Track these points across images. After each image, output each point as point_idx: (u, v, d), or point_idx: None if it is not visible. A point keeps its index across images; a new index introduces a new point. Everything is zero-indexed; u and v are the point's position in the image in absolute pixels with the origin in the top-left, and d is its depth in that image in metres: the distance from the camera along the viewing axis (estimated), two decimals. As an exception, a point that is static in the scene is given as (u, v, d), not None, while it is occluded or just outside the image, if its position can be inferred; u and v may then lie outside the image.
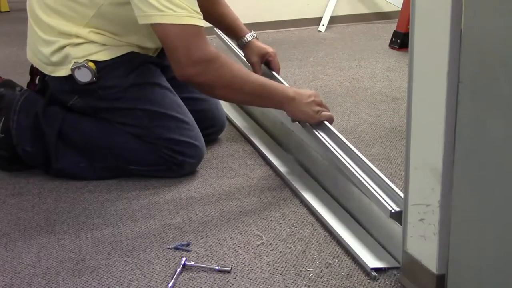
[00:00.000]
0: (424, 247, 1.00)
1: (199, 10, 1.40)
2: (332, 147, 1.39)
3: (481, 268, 0.88)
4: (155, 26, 1.38)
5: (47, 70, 1.52)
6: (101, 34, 1.47)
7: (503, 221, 0.82)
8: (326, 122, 1.50)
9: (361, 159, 1.29)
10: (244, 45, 1.79)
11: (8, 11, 4.50)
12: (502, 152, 0.80)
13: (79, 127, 1.55)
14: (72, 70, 1.46)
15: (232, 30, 1.81)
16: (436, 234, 0.96)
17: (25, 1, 1.58)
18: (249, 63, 1.79)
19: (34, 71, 1.67)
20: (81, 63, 1.46)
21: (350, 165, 1.29)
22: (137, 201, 1.43)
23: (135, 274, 1.14)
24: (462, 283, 0.94)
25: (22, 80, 1.70)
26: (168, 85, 1.57)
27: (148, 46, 1.57)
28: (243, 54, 1.82)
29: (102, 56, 1.48)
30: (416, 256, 1.02)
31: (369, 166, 1.25)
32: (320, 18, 3.54)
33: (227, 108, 2.04)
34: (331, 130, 1.45)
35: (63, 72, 1.49)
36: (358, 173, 1.26)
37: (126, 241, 1.25)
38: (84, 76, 1.47)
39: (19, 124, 1.53)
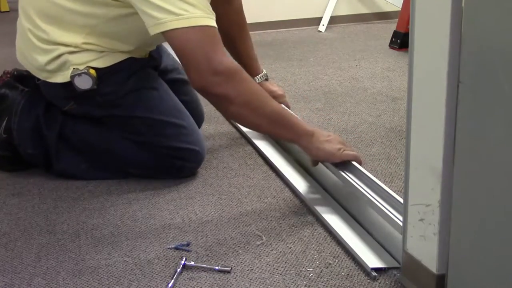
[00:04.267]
0: (424, 247, 1.00)
1: (212, 10, 1.33)
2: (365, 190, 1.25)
3: (481, 268, 0.88)
4: (169, 33, 1.28)
5: (42, 76, 1.49)
6: (99, 44, 1.43)
7: (503, 221, 0.82)
8: (354, 163, 1.34)
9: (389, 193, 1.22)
10: None
11: (8, 11, 4.50)
12: (502, 152, 0.80)
13: (78, 130, 1.54)
14: (72, 77, 1.41)
15: (245, 69, 1.57)
16: (436, 234, 0.96)
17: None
18: None
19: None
20: (82, 70, 1.41)
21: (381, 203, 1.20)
22: (137, 201, 1.43)
23: (135, 274, 1.14)
24: (462, 283, 0.94)
25: (22, 80, 1.69)
26: (166, 88, 1.55)
27: (143, 50, 1.55)
28: None
29: (102, 63, 1.43)
30: (416, 256, 1.02)
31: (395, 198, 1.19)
32: (320, 18, 3.54)
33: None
34: (361, 171, 1.29)
35: (60, 78, 1.45)
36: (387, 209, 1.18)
37: (126, 241, 1.25)
38: (84, 84, 1.41)
39: (20, 126, 1.52)
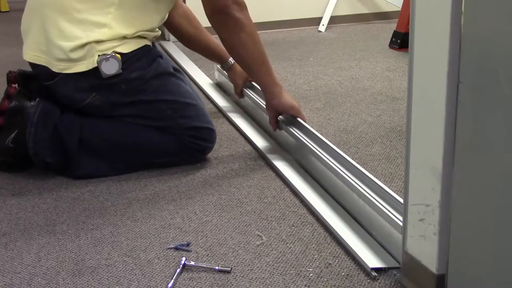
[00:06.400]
0: (424, 247, 1.00)
1: None
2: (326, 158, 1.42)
3: (481, 268, 0.89)
4: None
5: (60, 67, 1.48)
6: (126, 23, 1.49)
7: (503, 221, 0.82)
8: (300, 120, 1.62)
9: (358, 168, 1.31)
10: (229, 68, 1.96)
11: (8, 11, 4.50)
12: (502, 152, 0.80)
13: (99, 130, 1.56)
14: (99, 62, 1.46)
15: (217, 54, 1.96)
16: (436, 234, 0.96)
17: (25, 1, 1.57)
18: (233, 83, 1.96)
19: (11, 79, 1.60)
20: (109, 54, 1.46)
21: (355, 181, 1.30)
22: (137, 201, 1.43)
23: (135, 274, 1.14)
24: (462, 283, 0.94)
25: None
26: (178, 74, 1.64)
27: (155, 34, 1.63)
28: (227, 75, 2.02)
29: (125, 49, 1.50)
30: (416, 256, 1.03)
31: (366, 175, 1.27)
32: (320, 18, 3.54)
33: (227, 109, 2.04)
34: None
35: (82, 67, 1.47)
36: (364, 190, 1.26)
37: (126, 241, 1.25)
38: (111, 68, 1.47)
39: (37, 136, 1.51)
